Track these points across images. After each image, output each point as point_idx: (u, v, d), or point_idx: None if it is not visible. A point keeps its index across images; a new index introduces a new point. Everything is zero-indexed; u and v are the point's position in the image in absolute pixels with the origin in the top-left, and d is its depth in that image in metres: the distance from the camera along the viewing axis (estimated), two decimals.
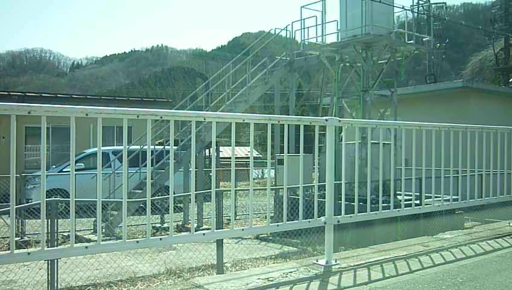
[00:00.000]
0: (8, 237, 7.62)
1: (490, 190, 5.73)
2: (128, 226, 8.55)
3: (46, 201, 3.89)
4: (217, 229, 5.65)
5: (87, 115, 2.95)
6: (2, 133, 16.16)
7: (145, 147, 4.27)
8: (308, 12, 11.98)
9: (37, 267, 6.68)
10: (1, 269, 6.57)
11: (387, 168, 5.73)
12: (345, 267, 3.85)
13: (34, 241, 9.13)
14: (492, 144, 5.53)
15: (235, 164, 3.91)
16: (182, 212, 12.07)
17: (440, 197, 5.15)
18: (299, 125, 4.03)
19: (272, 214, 9.93)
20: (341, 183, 4.29)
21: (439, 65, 24.08)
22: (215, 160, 4.16)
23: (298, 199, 4.13)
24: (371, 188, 4.46)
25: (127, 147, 4.17)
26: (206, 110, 12.26)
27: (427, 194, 6.36)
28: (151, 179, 8.59)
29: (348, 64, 11.70)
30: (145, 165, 4.46)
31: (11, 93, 21.94)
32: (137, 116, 3.13)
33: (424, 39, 11.84)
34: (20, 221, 9.41)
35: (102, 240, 3.16)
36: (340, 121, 4.23)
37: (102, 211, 3.21)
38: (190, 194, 4.10)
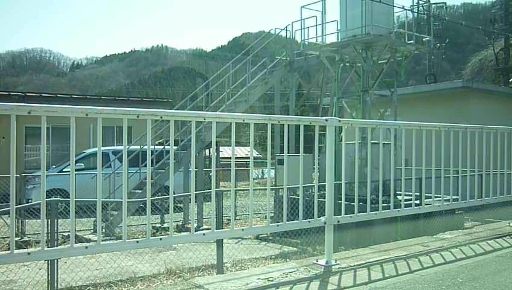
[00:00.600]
0: (8, 237, 7.63)
1: (490, 190, 5.73)
2: (128, 226, 8.55)
3: (46, 201, 3.89)
4: (217, 229, 5.65)
5: (87, 115, 2.95)
6: (2, 133, 16.15)
7: (145, 147, 4.27)
8: (308, 12, 11.99)
9: (37, 267, 6.68)
10: (1, 269, 6.56)
11: (387, 168, 5.73)
12: (345, 267, 3.85)
13: (34, 241, 9.13)
14: (492, 144, 5.53)
15: (235, 164, 3.91)
16: (182, 212, 12.07)
17: (440, 197, 5.15)
18: (299, 125, 4.03)
19: (272, 214, 9.93)
20: (341, 183, 4.29)
21: (439, 65, 24.09)
22: (215, 160, 4.16)
23: (298, 199, 4.13)
24: (371, 188, 4.46)
25: (127, 147, 4.18)
26: (206, 110, 12.26)
27: (427, 194, 6.36)
28: (151, 179, 8.61)
29: (348, 64, 11.70)
30: (145, 165, 4.47)
31: (11, 93, 21.95)
32: (137, 116, 3.13)
33: (424, 39, 11.84)
34: (20, 221, 9.41)
35: (102, 240, 3.16)
36: (340, 121, 4.23)
37: (102, 211, 3.21)
38: (190, 194, 4.10)
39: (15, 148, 2.78)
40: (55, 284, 5.86)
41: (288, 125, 4.08)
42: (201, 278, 3.99)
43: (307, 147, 5.47)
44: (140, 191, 10.90)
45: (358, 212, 4.38)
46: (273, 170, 11.30)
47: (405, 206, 4.89)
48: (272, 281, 3.43)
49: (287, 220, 4.00)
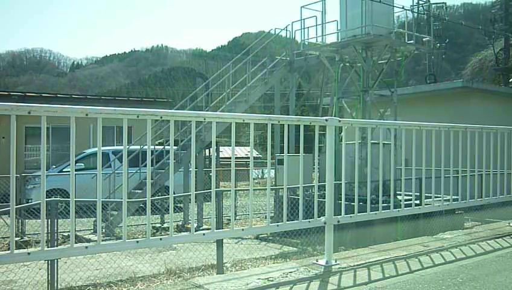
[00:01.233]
0: (8, 237, 7.63)
1: (490, 190, 5.73)
2: (128, 226, 8.55)
3: (46, 201, 3.89)
4: (217, 229, 5.65)
5: (87, 115, 2.95)
6: (2, 133, 16.16)
7: (145, 147, 4.27)
8: (308, 12, 11.99)
9: (37, 267, 6.68)
10: (1, 269, 6.56)
11: (387, 168, 5.73)
12: (345, 267, 3.85)
13: (34, 241, 9.13)
14: (492, 144, 5.53)
15: (235, 164, 3.91)
16: (182, 212, 12.07)
17: (440, 197, 5.15)
18: (299, 125, 4.03)
19: (272, 214, 9.94)
20: (341, 183, 4.29)
21: (439, 65, 24.10)
22: (215, 160, 4.16)
23: (298, 199, 4.13)
24: (371, 188, 4.46)
25: (127, 147, 4.18)
26: (206, 110, 12.26)
27: (427, 194, 6.36)
28: (151, 179, 8.61)
29: (348, 64, 11.70)
30: (145, 165, 4.46)
31: (11, 93, 21.95)
32: (137, 116, 3.13)
33: (424, 39, 11.83)
34: (20, 221, 9.41)
35: (102, 240, 3.16)
36: (340, 121, 4.22)
37: (102, 211, 3.21)
38: (190, 194, 4.10)
39: (15, 148, 2.78)
40: (55, 284, 5.87)
41: (288, 125, 4.08)
42: (201, 278, 3.99)
43: (307, 147, 5.47)
44: (140, 191, 10.90)
45: (358, 212, 4.38)
46: (273, 170, 11.30)
47: (405, 206, 4.89)
48: (272, 281, 3.43)
49: (287, 220, 4.00)
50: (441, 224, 8.55)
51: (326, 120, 4.03)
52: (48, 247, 4.66)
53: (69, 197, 3.10)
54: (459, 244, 4.88)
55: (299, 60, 13.23)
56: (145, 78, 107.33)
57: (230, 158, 4.14)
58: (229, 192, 8.12)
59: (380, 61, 11.52)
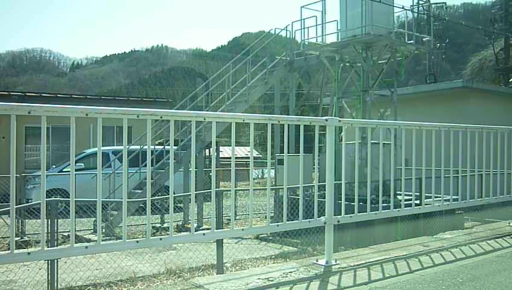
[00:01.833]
0: (8, 237, 7.62)
1: (490, 190, 5.73)
2: (128, 226, 8.55)
3: (46, 201, 3.89)
4: (217, 229, 5.65)
5: (87, 115, 2.95)
6: (2, 133, 16.16)
7: (145, 147, 4.27)
8: (308, 12, 11.99)
9: (37, 267, 6.68)
10: (1, 269, 6.56)
11: (387, 168, 5.73)
12: (345, 267, 3.85)
13: (34, 241, 9.13)
14: (492, 144, 5.53)
15: (235, 164, 3.91)
16: (182, 212, 12.07)
17: (440, 197, 5.15)
18: (299, 125, 4.03)
19: (272, 214, 9.93)
20: (341, 183, 4.29)
21: (439, 65, 24.08)
22: (215, 160, 4.16)
23: (298, 199, 4.13)
24: (371, 188, 4.46)
25: (127, 147, 4.18)
26: (206, 110, 12.26)
27: (427, 194, 6.36)
28: (151, 179, 8.60)
29: (348, 64, 11.70)
30: (145, 165, 4.46)
31: (11, 93, 21.95)
32: (137, 116, 3.13)
33: (424, 39, 11.84)
34: (20, 221, 9.40)
35: (102, 240, 3.16)
36: (340, 121, 4.22)
37: (102, 211, 3.21)
38: (190, 194, 4.10)
39: (15, 148, 2.78)
40: (55, 284, 5.86)
41: (288, 125, 4.08)
42: (201, 278, 3.99)
43: (307, 147, 5.47)
44: (140, 191, 10.90)
45: (358, 212, 4.38)
46: (273, 170, 11.30)
47: (405, 206, 4.89)
48: (272, 281, 3.43)
49: (287, 220, 3.99)
50: (441, 224, 8.55)
51: (326, 120, 4.03)
52: (48, 247, 4.66)
53: (69, 197, 3.10)
54: (459, 244, 4.88)
55: (299, 60, 13.23)
56: (145, 78, 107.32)
57: (230, 158, 4.14)
58: (229, 192, 8.12)
59: (380, 61, 11.52)
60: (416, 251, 4.51)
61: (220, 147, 25.59)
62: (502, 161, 5.87)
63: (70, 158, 3.04)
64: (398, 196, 5.11)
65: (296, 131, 9.63)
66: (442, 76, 25.99)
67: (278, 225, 4.16)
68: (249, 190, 4.13)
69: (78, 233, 9.40)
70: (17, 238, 8.94)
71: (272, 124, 3.84)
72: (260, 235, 9.85)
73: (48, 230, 6.00)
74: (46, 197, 3.05)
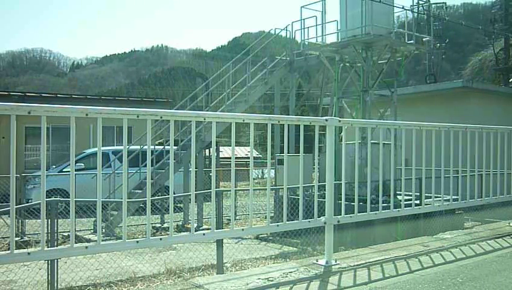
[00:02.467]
0: (8, 237, 7.63)
1: (490, 190, 5.73)
2: (128, 226, 8.55)
3: (46, 201, 3.89)
4: (217, 229, 5.65)
5: (87, 115, 2.95)
6: (2, 133, 16.17)
7: (145, 147, 4.27)
8: (308, 12, 12.00)
9: (37, 267, 6.68)
10: (1, 269, 6.56)
11: (387, 168, 5.73)
12: (345, 267, 3.85)
13: (34, 241, 9.12)
14: (492, 144, 5.53)
15: (235, 164, 3.91)
16: (182, 212, 12.07)
17: (440, 197, 5.15)
18: (299, 125, 4.03)
19: (272, 214, 9.93)
20: (341, 183, 4.28)
21: (439, 65, 24.10)
22: (215, 160, 4.16)
23: (298, 199, 4.13)
24: (371, 188, 4.46)
25: (127, 147, 4.18)
26: (206, 110, 12.26)
27: (427, 194, 6.36)
28: (151, 179, 8.61)
29: (348, 64, 11.70)
30: (145, 165, 4.46)
31: (11, 93, 21.96)
32: (137, 116, 3.13)
33: (424, 39, 11.84)
34: (20, 221, 9.41)
35: (102, 240, 3.16)
36: (340, 121, 4.22)
37: (102, 211, 3.20)
38: (190, 194, 4.10)
39: (15, 148, 2.78)
40: (55, 284, 5.87)
41: (288, 125, 4.08)
42: (201, 278, 3.99)
43: (307, 147, 5.48)
44: (140, 191, 10.90)
45: (358, 212, 4.38)
46: (273, 170, 11.30)
47: (405, 206, 4.89)
48: (272, 281, 3.43)
49: (287, 220, 3.99)
50: (441, 224, 8.55)
51: (326, 120, 4.03)
52: (48, 247, 4.66)
53: (69, 197, 3.10)
54: (459, 244, 4.88)
55: (299, 60, 13.23)
56: (145, 78, 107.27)
57: (230, 158, 4.14)
58: (229, 192, 8.12)
59: (380, 61, 11.53)
60: (416, 251, 4.51)
61: (220, 147, 25.59)
62: (502, 161, 5.86)
63: (70, 158, 3.04)
64: (398, 196, 5.11)
65: (296, 131, 9.64)
66: (442, 76, 26.00)
67: (278, 225, 4.16)
68: (249, 190, 4.13)
69: (78, 233, 9.40)
70: (17, 238, 8.94)
71: (272, 124, 3.84)
72: (260, 235, 9.85)
73: (47, 230, 6.00)
74: (46, 197, 3.05)
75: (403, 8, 11.72)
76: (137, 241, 3.39)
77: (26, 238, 9.35)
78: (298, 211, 4.07)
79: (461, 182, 5.54)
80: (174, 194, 4.15)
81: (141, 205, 9.41)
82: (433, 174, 5.09)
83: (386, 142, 5.51)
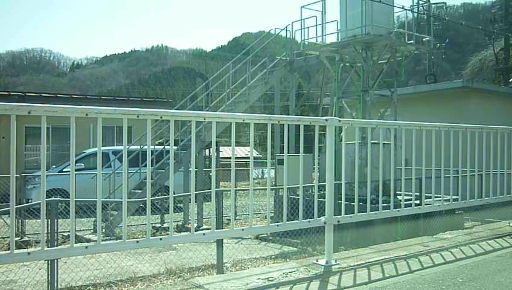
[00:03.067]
0: (8, 237, 7.63)
1: (490, 190, 5.73)
2: (128, 226, 8.56)
3: (46, 201, 3.89)
4: (217, 229, 5.65)
5: (87, 115, 2.95)
6: (2, 133, 16.16)
7: (145, 147, 4.27)
8: (308, 12, 11.99)
9: (37, 267, 6.68)
10: (1, 269, 6.56)
11: (387, 168, 5.73)
12: (345, 267, 3.85)
13: (34, 241, 9.12)
14: (492, 144, 5.53)
15: (235, 164, 3.91)
16: (182, 212, 12.07)
17: (440, 197, 5.15)
18: (299, 125, 4.03)
19: (272, 214, 9.93)
20: (341, 183, 4.29)
21: (439, 65, 24.08)
22: (215, 160, 4.16)
23: (298, 199, 4.13)
24: (371, 188, 4.46)
25: (127, 147, 4.18)
26: (206, 110, 12.26)
27: (427, 194, 6.35)
28: (151, 179, 8.61)
29: (348, 64, 11.70)
30: (145, 165, 4.46)
31: (11, 93, 21.94)
32: (137, 116, 3.13)
33: (424, 39, 11.84)
34: (20, 221, 9.41)
35: (102, 240, 3.16)
36: (340, 121, 4.22)
37: (102, 211, 3.21)
38: (190, 194, 4.10)
39: (15, 148, 2.78)
40: (55, 284, 5.86)
41: (288, 125, 4.08)
42: (201, 278, 3.99)
43: (307, 147, 5.48)
44: (140, 191, 10.90)
45: (358, 212, 4.38)
46: (273, 170, 11.30)
47: (405, 206, 4.89)
48: (272, 281, 3.43)
49: (287, 220, 4.00)
50: (441, 224, 8.55)
51: (326, 120, 4.03)
52: (48, 247, 4.66)
53: (69, 197, 3.10)
54: (459, 244, 4.88)
55: (299, 60, 13.23)
56: (145, 78, 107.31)
57: (230, 158, 4.14)
58: (229, 192, 8.12)
59: (380, 61, 11.53)
60: (416, 251, 4.51)
61: (220, 147, 25.58)
62: (502, 161, 5.86)
63: (70, 158, 3.04)
64: (398, 196, 5.11)
65: (296, 131, 9.63)
66: (442, 76, 25.99)
67: (278, 225, 4.16)
68: (249, 190, 4.12)
69: (78, 233, 9.40)
70: (17, 238, 8.94)
71: (272, 124, 3.84)
72: (260, 235, 9.85)
73: (47, 230, 5.99)
74: (46, 197, 3.05)
75: (403, 8, 11.72)
76: (137, 241, 3.39)
77: (26, 238, 9.34)
78: (298, 211, 4.07)
79: (461, 182, 5.54)
80: (174, 194, 4.15)
81: (141, 205, 9.41)
82: (433, 174, 5.09)
83: (386, 142, 5.51)
